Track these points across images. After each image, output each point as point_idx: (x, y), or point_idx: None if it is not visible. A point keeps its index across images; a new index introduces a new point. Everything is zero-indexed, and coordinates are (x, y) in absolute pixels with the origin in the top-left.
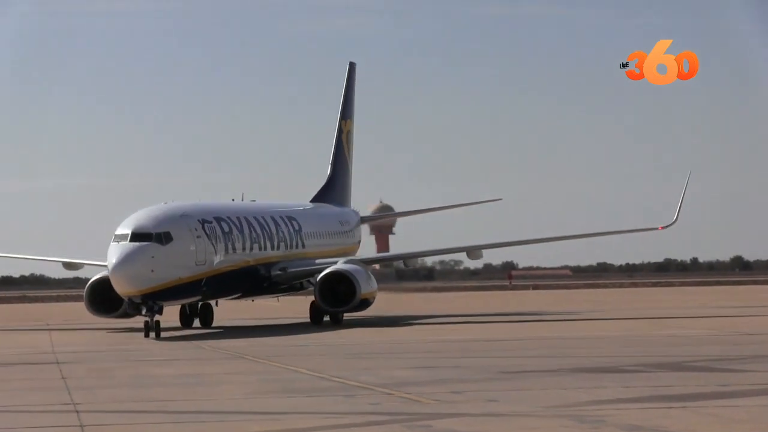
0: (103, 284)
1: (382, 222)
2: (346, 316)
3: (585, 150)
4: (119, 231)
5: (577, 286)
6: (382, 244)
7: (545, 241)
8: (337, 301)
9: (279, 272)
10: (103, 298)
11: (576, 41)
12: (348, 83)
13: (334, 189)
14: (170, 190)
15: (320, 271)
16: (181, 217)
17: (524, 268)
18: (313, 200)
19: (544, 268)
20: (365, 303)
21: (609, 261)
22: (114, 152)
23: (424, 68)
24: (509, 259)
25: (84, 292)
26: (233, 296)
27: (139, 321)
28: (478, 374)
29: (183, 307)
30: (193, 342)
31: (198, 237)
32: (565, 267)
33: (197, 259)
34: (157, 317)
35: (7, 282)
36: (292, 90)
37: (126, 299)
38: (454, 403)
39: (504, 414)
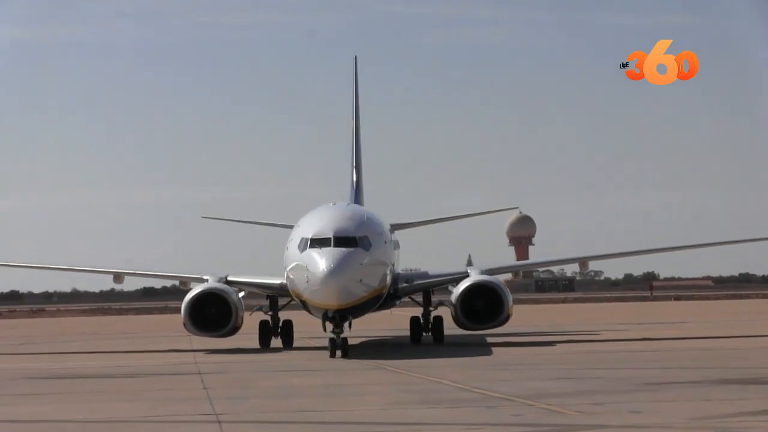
0: (204, 299)
1: (521, 233)
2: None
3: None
4: (314, 235)
5: (719, 297)
6: (522, 254)
7: (641, 254)
8: (474, 317)
9: (405, 284)
10: (202, 314)
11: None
12: (355, 79)
13: (360, 194)
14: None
15: (444, 283)
16: (368, 219)
17: (665, 279)
18: None
19: (686, 279)
20: (508, 318)
21: (751, 271)
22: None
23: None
24: (650, 270)
25: (183, 308)
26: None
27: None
28: (620, 385)
29: (264, 323)
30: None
31: (385, 242)
32: (707, 277)
33: (390, 268)
34: (346, 333)
35: (149, 293)
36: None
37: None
38: (596, 414)
39: (648, 426)
